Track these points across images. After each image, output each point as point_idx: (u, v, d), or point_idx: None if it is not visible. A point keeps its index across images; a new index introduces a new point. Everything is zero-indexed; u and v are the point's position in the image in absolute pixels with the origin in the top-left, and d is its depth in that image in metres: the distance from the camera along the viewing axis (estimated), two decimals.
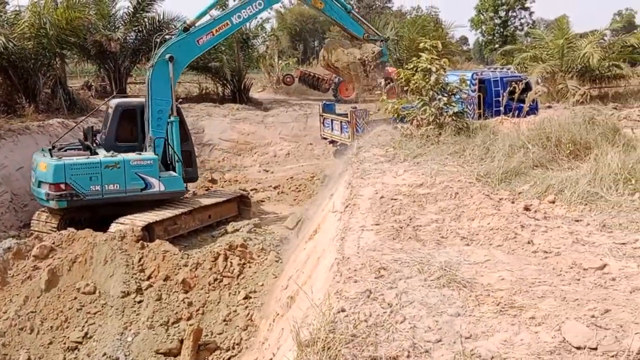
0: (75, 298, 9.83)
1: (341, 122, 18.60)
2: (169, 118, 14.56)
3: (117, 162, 13.58)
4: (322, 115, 20.03)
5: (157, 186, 14.08)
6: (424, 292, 4.06)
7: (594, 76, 28.58)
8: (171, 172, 14.51)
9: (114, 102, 15.17)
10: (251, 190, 18.66)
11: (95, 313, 9.62)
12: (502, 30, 61.34)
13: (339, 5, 16.88)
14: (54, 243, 11.22)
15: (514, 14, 63.10)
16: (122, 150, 14.05)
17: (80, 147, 14.77)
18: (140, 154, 14.15)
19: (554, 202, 6.52)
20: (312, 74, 32.61)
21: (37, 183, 13.52)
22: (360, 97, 25.07)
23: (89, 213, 13.58)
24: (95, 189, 13.32)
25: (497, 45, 55.60)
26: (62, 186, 13.06)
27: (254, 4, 15.53)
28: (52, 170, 13.05)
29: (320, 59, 28.74)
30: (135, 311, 9.60)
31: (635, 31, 34.43)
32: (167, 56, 14.33)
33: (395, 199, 6.82)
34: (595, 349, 3.26)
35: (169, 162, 14.65)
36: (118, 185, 13.56)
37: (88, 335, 9.30)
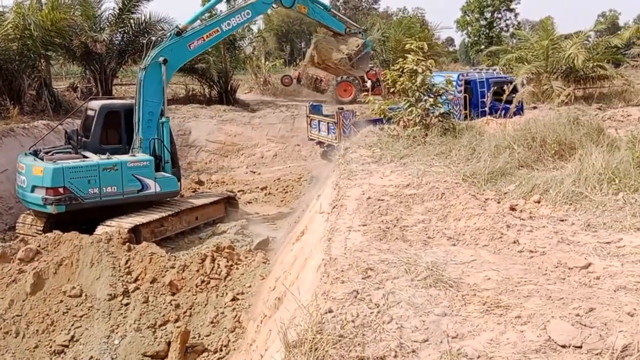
0: (62, 301, 9.74)
1: (328, 123, 18.59)
2: (160, 119, 14.54)
3: (114, 164, 13.46)
4: (309, 117, 19.99)
5: (153, 187, 14.04)
6: (411, 292, 4.07)
7: (579, 77, 28.83)
8: (165, 172, 14.46)
9: (96, 104, 15.02)
10: (238, 191, 18.63)
11: (81, 316, 9.54)
12: (487, 31, 61.94)
13: (319, 6, 17.39)
14: (39, 246, 11.12)
15: (500, 15, 63.84)
16: (108, 153, 13.92)
17: (69, 150, 14.59)
18: (134, 155, 14.06)
19: (539, 202, 6.57)
20: (310, 75, 32.46)
21: (31, 188, 13.15)
22: (355, 98, 25.16)
23: (83, 216, 13.34)
24: (93, 192, 13.16)
25: (482, 47, 56.04)
26: (61, 190, 12.81)
27: (242, 12, 16.13)
28: (51, 174, 12.75)
29: (308, 59, 28.73)
30: (122, 314, 9.54)
31: (619, 32, 34.80)
32: (161, 59, 14.40)
33: (382, 200, 6.83)
34: (580, 347, 3.29)
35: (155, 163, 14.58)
36: (115, 188, 13.45)
37: (74, 339, 9.22)
